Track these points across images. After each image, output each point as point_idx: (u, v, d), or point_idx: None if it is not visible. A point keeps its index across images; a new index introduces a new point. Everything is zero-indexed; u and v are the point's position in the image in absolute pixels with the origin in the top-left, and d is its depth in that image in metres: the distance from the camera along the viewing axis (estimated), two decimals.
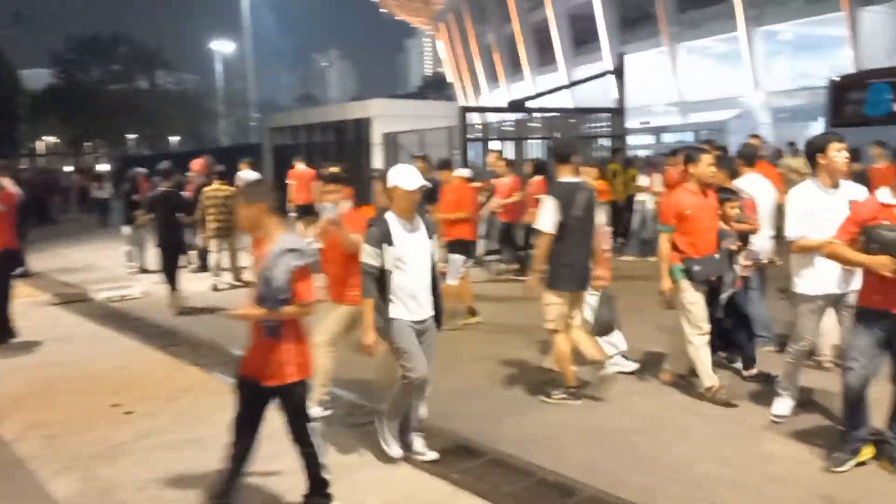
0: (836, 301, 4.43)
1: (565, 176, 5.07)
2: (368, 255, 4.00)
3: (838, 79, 15.30)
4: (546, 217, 4.90)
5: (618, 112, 13.93)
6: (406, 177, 4.02)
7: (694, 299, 4.98)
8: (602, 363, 5.14)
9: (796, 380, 4.67)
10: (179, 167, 12.24)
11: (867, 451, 3.89)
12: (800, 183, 4.59)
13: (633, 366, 5.71)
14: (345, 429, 4.72)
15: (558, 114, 14.00)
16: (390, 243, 3.96)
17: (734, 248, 5.14)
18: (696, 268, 4.92)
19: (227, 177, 10.42)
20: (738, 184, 5.70)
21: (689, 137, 35.72)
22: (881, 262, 3.52)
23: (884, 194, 3.75)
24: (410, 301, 4.05)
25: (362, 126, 17.70)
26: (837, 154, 4.26)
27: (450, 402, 5.18)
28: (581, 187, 5.01)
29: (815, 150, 4.37)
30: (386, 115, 17.22)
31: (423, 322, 4.11)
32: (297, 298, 3.43)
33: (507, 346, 6.59)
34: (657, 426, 4.65)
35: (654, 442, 4.41)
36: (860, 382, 3.76)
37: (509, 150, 13.30)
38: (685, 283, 4.97)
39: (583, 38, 49.77)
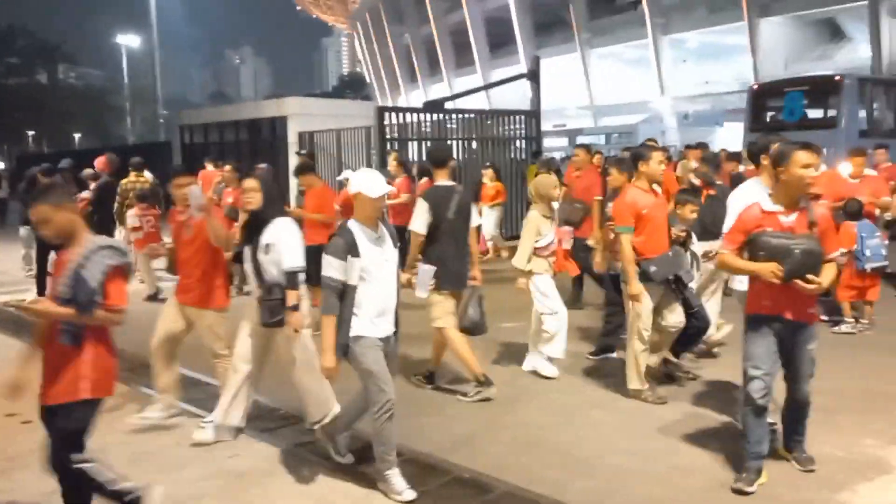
0: None
1: (441, 179, 5.31)
2: (332, 268, 3.64)
3: (756, 86, 16.24)
4: (418, 219, 5.12)
5: (533, 114, 14.18)
6: (370, 182, 3.73)
7: (648, 305, 4.94)
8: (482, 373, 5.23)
9: None
10: (82, 165, 11.72)
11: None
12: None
13: (553, 372, 5.65)
14: (256, 433, 4.61)
15: (474, 115, 14.11)
16: (356, 254, 3.65)
17: (682, 234, 5.18)
18: (653, 269, 4.89)
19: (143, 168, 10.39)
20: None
21: (601, 140, 36.73)
22: (768, 269, 3.52)
23: (766, 202, 3.73)
24: (377, 317, 3.74)
25: (277, 125, 17.38)
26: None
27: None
28: (455, 191, 5.23)
29: (759, 151, 4.33)
30: (302, 114, 16.97)
31: (387, 339, 3.82)
32: (108, 302, 3.06)
33: (420, 347, 6.59)
34: (571, 422, 4.75)
35: (567, 437, 4.50)
36: (763, 391, 3.68)
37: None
38: (640, 286, 4.90)
39: (500, 41, 50.50)
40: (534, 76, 14.59)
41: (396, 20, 63.27)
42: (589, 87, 45.30)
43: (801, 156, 3.57)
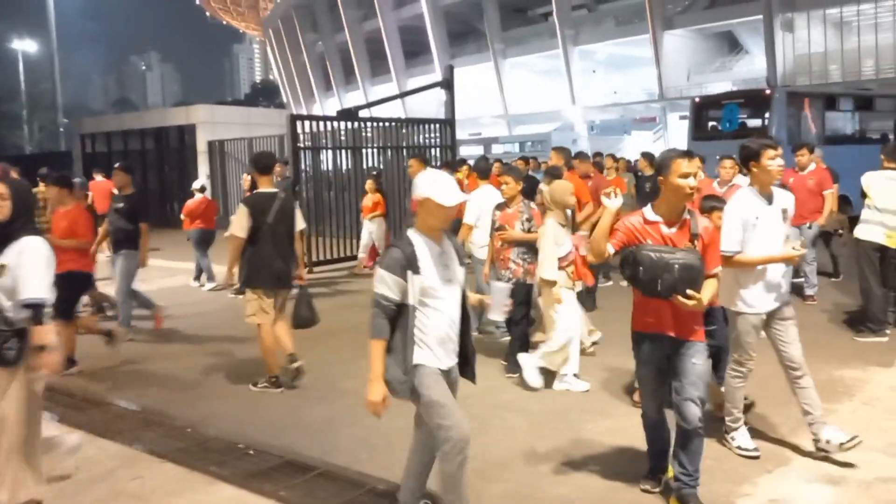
0: (772, 314, 4.23)
1: (263, 186, 5.66)
2: (385, 285, 3.10)
3: (698, 99, 17.21)
4: (238, 223, 5.44)
5: (448, 123, 14.27)
6: (442, 187, 3.15)
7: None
8: (294, 356, 5.65)
9: (740, 401, 4.35)
10: None
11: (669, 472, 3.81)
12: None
13: (584, 386, 5.52)
14: (163, 453, 4.43)
15: (389, 123, 14.09)
16: (416, 271, 3.12)
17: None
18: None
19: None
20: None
21: (515, 149, 37.38)
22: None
23: (649, 211, 3.57)
24: (438, 346, 3.21)
25: (186, 133, 16.88)
26: (772, 162, 4.09)
27: (281, 417, 5.06)
28: (276, 197, 5.56)
29: (748, 157, 4.15)
30: (212, 122, 16.56)
31: (449, 372, 3.31)
32: None
33: (345, 355, 6.52)
34: (486, 428, 4.77)
35: (483, 442, 4.51)
36: (654, 409, 3.70)
37: (344, 159, 13.24)
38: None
39: (415, 49, 50.73)
40: (448, 85, 14.69)
41: (310, 28, 62.65)
42: (503, 97, 46.05)
43: (680, 164, 3.43)
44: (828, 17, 35.80)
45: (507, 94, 45.92)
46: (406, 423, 4.82)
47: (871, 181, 6.68)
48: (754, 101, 15.68)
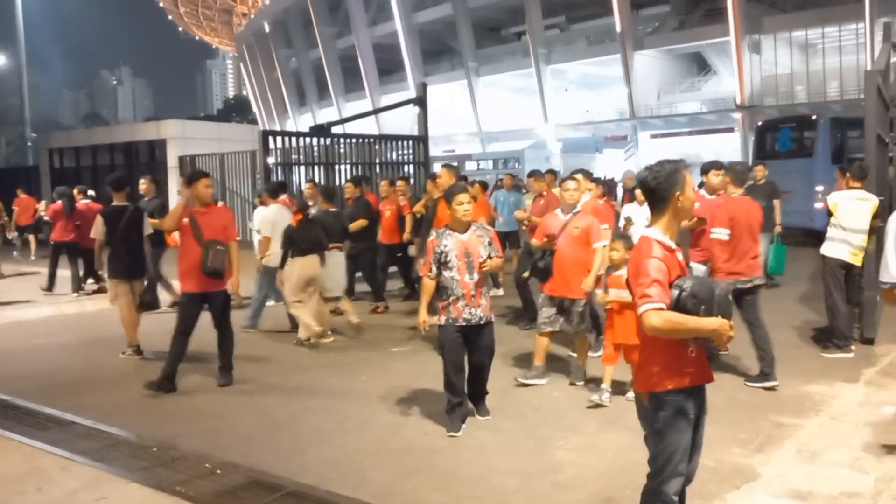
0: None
1: (118, 201, 7.34)
2: None
3: (761, 123, 20.02)
4: (96, 229, 7.24)
5: (422, 140, 14.30)
6: None
7: None
8: (137, 343, 7.23)
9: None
10: None
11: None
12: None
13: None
14: (127, 472, 4.33)
15: (361, 140, 14.08)
16: None
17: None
18: None
19: None
20: None
21: (489, 165, 37.58)
22: None
23: (665, 237, 3.16)
24: None
25: (157, 148, 16.72)
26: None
27: (248, 436, 4.99)
28: (127, 209, 7.27)
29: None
30: (183, 137, 16.44)
31: None
32: None
33: (314, 374, 6.46)
34: (457, 445, 4.75)
35: (453, 460, 4.49)
36: (679, 490, 3.00)
37: (316, 176, 13.18)
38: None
39: (389, 67, 50.92)
40: (421, 102, 14.74)
41: (284, 44, 62.61)
42: (476, 114, 46.33)
43: (690, 176, 3.00)
44: (794, 39, 36.67)
45: (481, 111, 46.22)
46: (375, 443, 4.80)
47: (838, 201, 6.84)
48: (803, 125, 18.16)
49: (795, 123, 19.05)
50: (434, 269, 4.90)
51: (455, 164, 12.02)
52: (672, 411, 2.85)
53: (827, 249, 6.85)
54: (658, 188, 2.89)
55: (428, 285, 4.96)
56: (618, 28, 39.17)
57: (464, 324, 4.88)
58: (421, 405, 5.53)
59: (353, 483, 4.15)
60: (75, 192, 11.79)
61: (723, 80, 40.01)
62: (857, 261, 6.75)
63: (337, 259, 8.12)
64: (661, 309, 2.71)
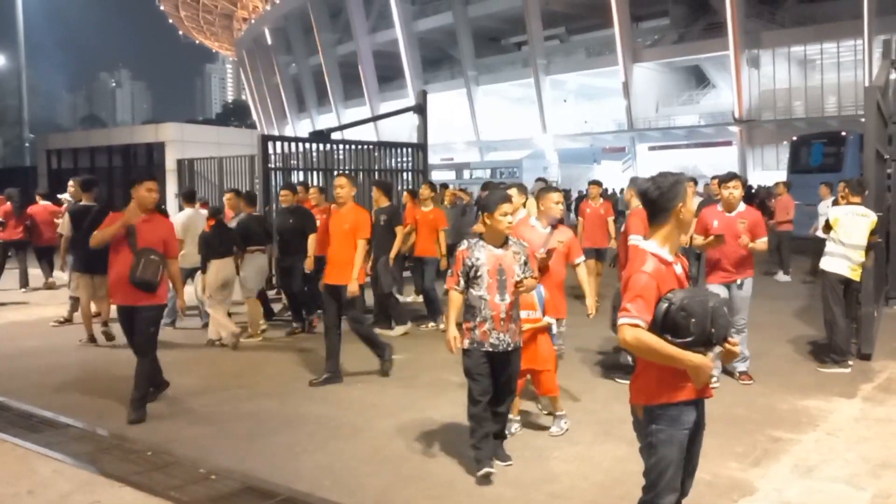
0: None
1: (86, 201, 7.87)
2: None
3: (795, 138, 21.05)
4: (63, 225, 8.19)
5: (420, 147, 14.31)
6: None
7: None
8: (90, 333, 7.89)
9: None
10: None
11: None
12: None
13: None
14: (121, 476, 4.30)
15: (360, 146, 14.08)
16: None
17: None
18: None
19: None
20: None
21: (486, 174, 37.65)
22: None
23: (663, 250, 2.99)
24: None
25: (155, 151, 16.71)
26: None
27: (243, 442, 4.96)
28: (92, 209, 7.66)
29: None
30: (181, 141, 16.43)
31: None
32: None
33: (301, 379, 6.44)
34: (452, 453, 4.72)
35: (449, 468, 4.47)
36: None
37: (315, 181, 13.17)
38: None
39: (389, 74, 51.07)
40: (421, 110, 14.76)
41: (284, 49, 62.75)
42: (475, 123, 46.45)
43: (691, 188, 3.00)
44: (792, 54, 36.88)
45: (480, 120, 46.35)
46: (370, 451, 4.78)
47: (839, 216, 6.83)
48: (834, 141, 19.02)
49: (826, 139, 19.71)
50: (461, 281, 4.32)
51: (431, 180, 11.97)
52: (665, 425, 2.81)
53: (826, 264, 6.85)
54: (660, 199, 2.85)
55: (456, 299, 4.36)
56: (617, 40, 39.36)
57: (490, 349, 4.27)
58: (416, 413, 5.51)
59: (348, 490, 4.12)
60: (38, 195, 12.62)
61: (721, 93, 40.21)
62: (856, 276, 6.76)
63: (259, 261, 8.48)
64: (637, 326, 2.69)
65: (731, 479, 4.25)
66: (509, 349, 4.32)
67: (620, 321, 2.71)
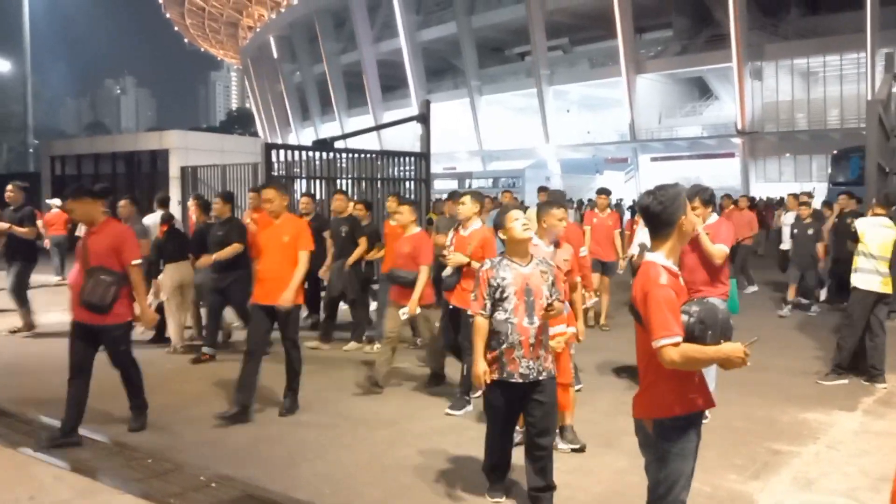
0: None
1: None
2: None
3: (836, 152, 21.86)
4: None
5: (423, 156, 14.35)
6: None
7: None
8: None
9: None
10: None
11: None
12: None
13: None
14: (122, 483, 4.31)
15: (364, 155, 14.11)
16: None
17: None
18: None
19: None
20: None
21: (489, 184, 37.70)
22: None
23: (668, 261, 3.05)
24: None
25: (159, 158, 16.77)
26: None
27: (243, 450, 4.96)
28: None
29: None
30: (185, 148, 16.48)
31: None
32: None
33: (308, 389, 6.43)
34: (452, 462, 4.73)
35: (448, 478, 4.47)
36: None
37: (318, 189, 13.20)
38: None
39: (392, 83, 51.24)
40: (424, 119, 14.80)
41: (288, 58, 63.00)
42: (478, 133, 46.56)
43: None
44: (795, 67, 36.97)
45: (483, 130, 46.46)
46: (370, 459, 4.78)
47: (865, 228, 6.70)
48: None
49: (862, 153, 20.29)
50: (488, 305, 3.87)
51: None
52: (678, 438, 2.80)
53: (860, 281, 6.65)
54: (664, 213, 2.83)
55: (483, 325, 3.87)
56: (620, 51, 39.47)
57: (520, 380, 3.83)
58: (416, 421, 5.52)
59: (347, 498, 4.13)
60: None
61: (724, 105, 40.28)
62: (888, 288, 6.58)
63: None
64: (678, 343, 2.66)
65: (730, 491, 4.24)
66: (540, 378, 3.86)
67: (663, 342, 2.65)
